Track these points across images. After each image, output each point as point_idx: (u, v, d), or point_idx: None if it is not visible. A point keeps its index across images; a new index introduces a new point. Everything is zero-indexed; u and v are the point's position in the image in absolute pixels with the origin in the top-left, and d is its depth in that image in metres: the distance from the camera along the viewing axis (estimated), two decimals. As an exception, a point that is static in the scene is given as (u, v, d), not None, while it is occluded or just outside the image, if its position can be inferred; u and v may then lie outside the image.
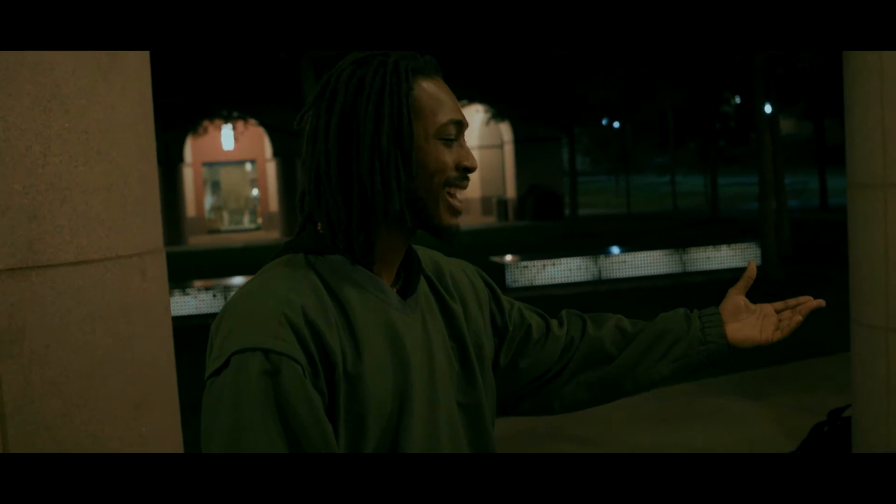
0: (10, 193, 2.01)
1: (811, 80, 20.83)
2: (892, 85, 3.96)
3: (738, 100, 28.87)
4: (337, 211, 1.35)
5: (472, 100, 27.07)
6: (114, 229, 2.23)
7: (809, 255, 15.85)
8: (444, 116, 1.37)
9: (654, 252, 14.64)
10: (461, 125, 1.40)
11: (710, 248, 14.90)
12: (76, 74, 2.14)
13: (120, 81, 2.28)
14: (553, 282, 13.88)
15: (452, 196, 1.39)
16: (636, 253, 14.60)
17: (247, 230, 33.79)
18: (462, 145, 1.40)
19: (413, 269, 1.47)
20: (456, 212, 1.40)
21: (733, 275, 14.23)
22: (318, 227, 1.41)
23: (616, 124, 38.71)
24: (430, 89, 1.38)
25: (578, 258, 14.21)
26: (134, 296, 2.28)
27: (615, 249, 15.21)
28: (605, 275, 14.14)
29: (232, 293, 10.18)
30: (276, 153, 29.29)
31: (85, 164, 2.16)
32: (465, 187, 1.40)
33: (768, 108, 14.91)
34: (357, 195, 1.34)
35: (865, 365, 4.21)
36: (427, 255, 1.56)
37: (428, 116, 1.36)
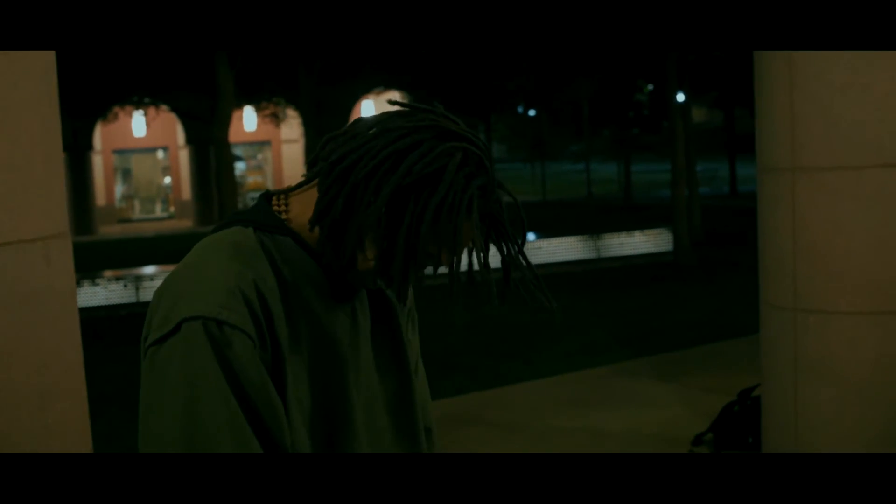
0: None
1: (722, 69, 21.29)
2: (801, 70, 4.05)
3: (650, 88, 29.38)
4: (351, 245, 1.28)
5: (389, 86, 26.96)
6: (15, 211, 2.15)
7: (720, 240, 16.23)
8: (452, 250, 1.29)
9: (569, 238, 14.80)
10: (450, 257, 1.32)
11: (624, 234, 15.14)
12: (-27, 50, 2.05)
13: (22, 58, 2.19)
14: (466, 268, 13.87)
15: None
16: (551, 239, 14.75)
17: (159, 219, 33.13)
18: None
19: None
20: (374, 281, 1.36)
21: (646, 260, 14.51)
22: (279, 207, 1.34)
23: (532, 112, 39.04)
24: (465, 232, 1.30)
25: (493, 244, 14.22)
26: (38, 282, 2.20)
27: (530, 236, 15.33)
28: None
29: (144, 283, 9.80)
30: (190, 140, 28.73)
31: (-16, 143, 2.07)
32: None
33: (681, 97, 15.18)
34: (354, 226, 1.27)
35: (774, 345, 4.31)
36: None
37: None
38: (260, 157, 34.16)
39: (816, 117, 4.01)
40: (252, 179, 32.89)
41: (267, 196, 1.37)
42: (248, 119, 28.57)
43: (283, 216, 1.33)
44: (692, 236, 13.92)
